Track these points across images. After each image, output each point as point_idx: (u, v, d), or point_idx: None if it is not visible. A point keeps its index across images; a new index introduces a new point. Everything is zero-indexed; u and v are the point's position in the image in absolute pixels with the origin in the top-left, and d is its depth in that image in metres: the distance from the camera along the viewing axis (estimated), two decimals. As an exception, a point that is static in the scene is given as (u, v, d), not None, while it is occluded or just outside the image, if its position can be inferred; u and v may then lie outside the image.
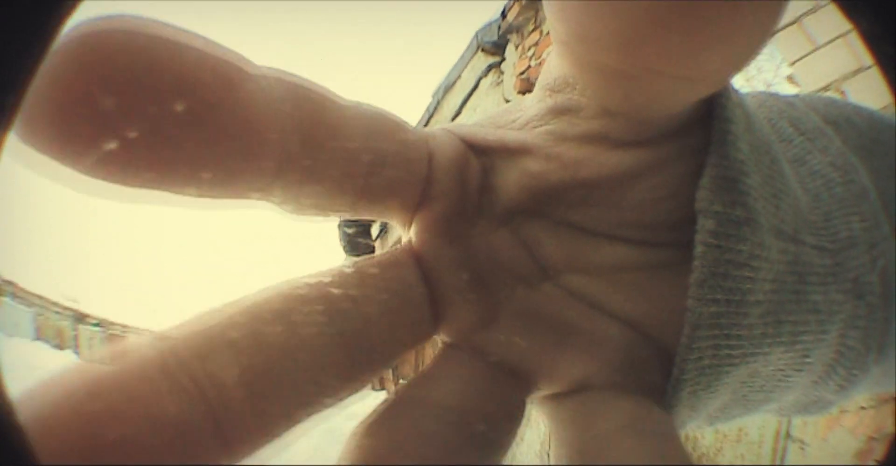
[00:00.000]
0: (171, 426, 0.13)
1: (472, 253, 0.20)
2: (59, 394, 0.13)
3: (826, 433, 2.15)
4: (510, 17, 4.70)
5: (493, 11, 5.09)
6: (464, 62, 5.57)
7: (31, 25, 0.20)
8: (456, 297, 0.19)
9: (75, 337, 19.35)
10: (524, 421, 0.18)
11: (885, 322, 0.22)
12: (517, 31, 4.78)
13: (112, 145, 0.12)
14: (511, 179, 0.20)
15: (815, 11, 2.08)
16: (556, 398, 0.20)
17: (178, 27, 0.13)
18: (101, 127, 0.12)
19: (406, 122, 0.19)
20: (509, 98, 4.76)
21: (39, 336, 16.92)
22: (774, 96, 0.25)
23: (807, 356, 0.21)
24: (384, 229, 8.16)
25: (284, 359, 0.15)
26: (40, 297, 18.01)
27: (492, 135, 0.21)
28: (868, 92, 1.92)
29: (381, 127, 0.18)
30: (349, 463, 0.16)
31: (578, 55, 0.16)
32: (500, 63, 4.99)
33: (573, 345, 0.20)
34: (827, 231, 0.21)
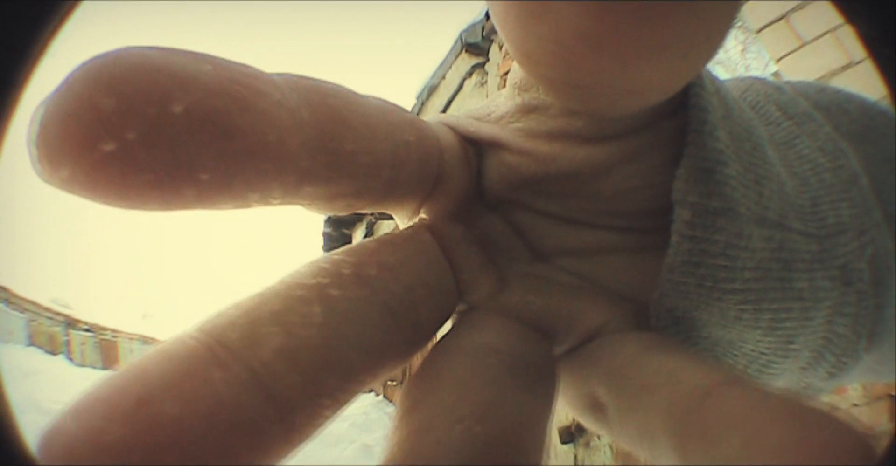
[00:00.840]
0: (232, 419, 0.13)
1: (475, 233, 0.21)
2: (106, 408, 0.12)
3: None
4: None
5: (476, 12, 5.10)
6: (448, 63, 5.56)
7: (31, 25, 0.20)
8: (471, 268, 0.20)
9: (67, 343, 19.26)
10: None
11: (876, 309, 0.22)
12: None
13: (135, 182, 0.12)
14: (492, 170, 0.21)
15: (802, 7, 2.08)
16: (572, 350, 0.20)
17: (186, 52, 0.13)
18: (123, 163, 0.12)
19: (414, 115, 0.19)
20: None
21: (33, 342, 16.83)
22: (761, 81, 0.26)
23: (791, 342, 0.21)
24: (369, 232, 8.20)
25: (333, 338, 0.15)
26: (33, 303, 17.93)
27: (472, 126, 0.21)
28: (856, 88, 1.93)
29: (399, 122, 0.18)
30: (418, 415, 0.16)
31: (525, 69, 0.16)
32: (483, 64, 4.99)
33: (583, 300, 0.20)
34: (814, 216, 0.21)
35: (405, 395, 0.17)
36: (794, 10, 2.11)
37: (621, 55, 0.13)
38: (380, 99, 0.18)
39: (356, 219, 7.86)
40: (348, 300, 0.16)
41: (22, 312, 17.09)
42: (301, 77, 0.16)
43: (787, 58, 2.16)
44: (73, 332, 20.02)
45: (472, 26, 5.04)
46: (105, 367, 19.57)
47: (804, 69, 2.10)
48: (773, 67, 2.34)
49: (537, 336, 0.20)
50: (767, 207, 0.20)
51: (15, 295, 16.90)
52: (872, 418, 1.87)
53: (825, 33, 2.02)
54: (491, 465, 0.14)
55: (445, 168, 0.20)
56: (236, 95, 0.13)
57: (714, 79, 0.20)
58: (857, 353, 0.22)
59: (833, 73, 2.03)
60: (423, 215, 0.21)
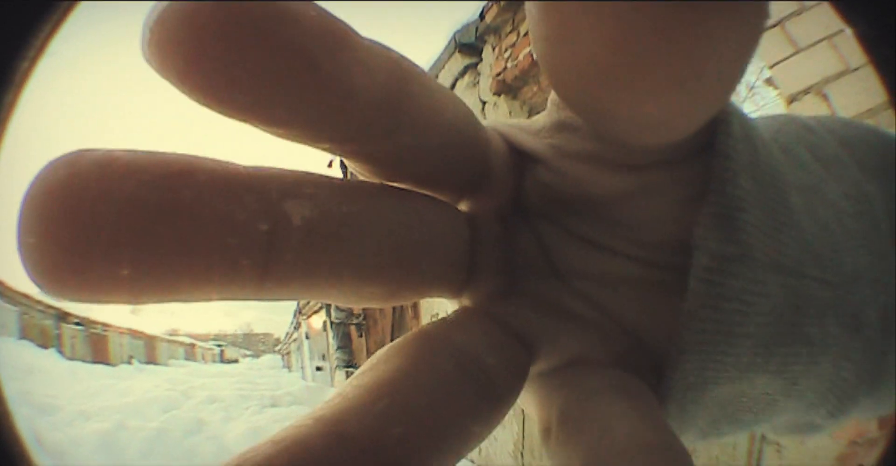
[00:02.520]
0: (215, 221, 0.13)
1: (505, 237, 0.22)
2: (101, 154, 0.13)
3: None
4: (488, 18, 4.67)
5: (469, 12, 5.07)
6: (441, 63, 5.54)
7: (31, 25, 0.20)
8: (486, 266, 0.21)
9: (58, 336, 19.16)
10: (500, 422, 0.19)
11: (881, 355, 0.22)
12: (495, 33, 4.76)
13: (227, 77, 0.13)
14: (529, 182, 0.22)
15: (799, 13, 2.08)
16: (550, 371, 0.21)
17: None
18: (229, 64, 0.13)
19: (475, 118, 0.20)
20: (485, 99, 4.76)
21: (25, 335, 16.69)
22: (794, 120, 0.25)
23: (795, 384, 0.21)
24: None
25: (346, 227, 0.16)
26: (25, 296, 17.78)
27: (519, 136, 0.22)
28: (852, 95, 1.92)
29: (460, 122, 0.19)
30: (361, 381, 0.16)
31: (551, 86, 0.16)
32: (476, 64, 4.98)
33: (576, 327, 0.21)
34: (832, 263, 0.21)
35: (370, 361, 0.17)
36: (789, 16, 2.11)
37: (635, 89, 0.14)
38: (452, 94, 0.18)
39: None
40: (375, 208, 0.17)
41: (15, 305, 16.94)
42: (391, 49, 0.16)
43: (782, 64, 2.17)
44: (64, 326, 19.89)
45: (466, 27, 5.02)
46: (95, 361, 19.46)
47: (799, 76, 2.10)
48: (767, 73, 2.33)
49: (518, 348, 0.20)
50: (784, 254, 0.20)
51: (8, 288, 16.79)
52: (862, 426, 1.86)
53: (821, 40, 2.02)
54: (404, 445, 0.15)
55: (492, 172, 0.21)
56: (331, 38, 0.14)
57: (745, 120, 0.21)
58: (856, 397, 0.23)
59: (828, 80, 2.03)
60: (463, 208, 0.21)
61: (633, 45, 0.13)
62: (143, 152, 0.13)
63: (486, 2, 4.64)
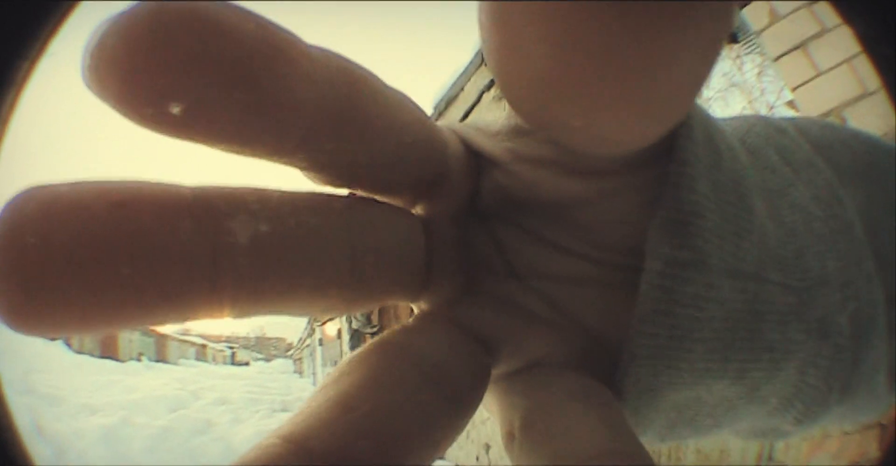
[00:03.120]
0: (158, 250, 0.14)
1: (461, 239, 0.21)
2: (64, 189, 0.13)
3: (809, 457, 2.15)
4: None
5: None
6: (466, 76, 5.54)
7: (30, 26, 0.20)
8: (446, 270, 0.21)
9: (66, 329, 19.39)
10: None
11: (853, 363, 0.22)
12: None
13: (167, 100, 0.13)
14: (486, 184, 0.21)
15: (821, 35, 2.08)
16: (511, 373, 0.21)
17: (238, 8, 0.14)
18: (163, 81, 0.13)
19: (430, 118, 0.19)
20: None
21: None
22: (766, 121, 0.25)
23: (757, 389, 0.21)
24: None
25: (296, 240, 0.16)
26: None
27: (476, 138, 0.21)
28: (870, 117, 1.92)
29: (412, 123, 0.18)
30: (326, 395, 0.16)
31: (503, 95, 0.16)
32: None
33: (536, 328, 0.21)
34: (797, 268, 0.21)
35: (333, 373, 0.17)
36: (812, 38, 2.10)
37: (586, 104, 0.14)
38: (403, 95, 0.18)
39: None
40: (327, 223, 0.17)
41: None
42: (338, 55, 0.16)
43: (803, 87, 2.16)
44: (73, 318, 20.14)
45: None
46: (103, 356, 19.55)
47: (819, 100, 2.09)
48: (789, 96, 2.33)
49: (478, 350, 0.20)
50: (743, 259, 0.20)
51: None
52: (864, 446, 1.86)
53: (841, 63, 2.02)
54: (372, 457, 0.15)
55: (448, 174, 0.20)
56: (270, 50, 0.14)
57: (710, 124, 0.20)
58: (827, 404, 0.22)
59: (846, 104, 2.03)
60: (418, 210, 0.21)
61: (581, 59, 0.12)
62: (88, 185, 0.14)
63: None
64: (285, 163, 0.16)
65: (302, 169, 0.17)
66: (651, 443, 0.22)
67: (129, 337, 25.67)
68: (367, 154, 0.17)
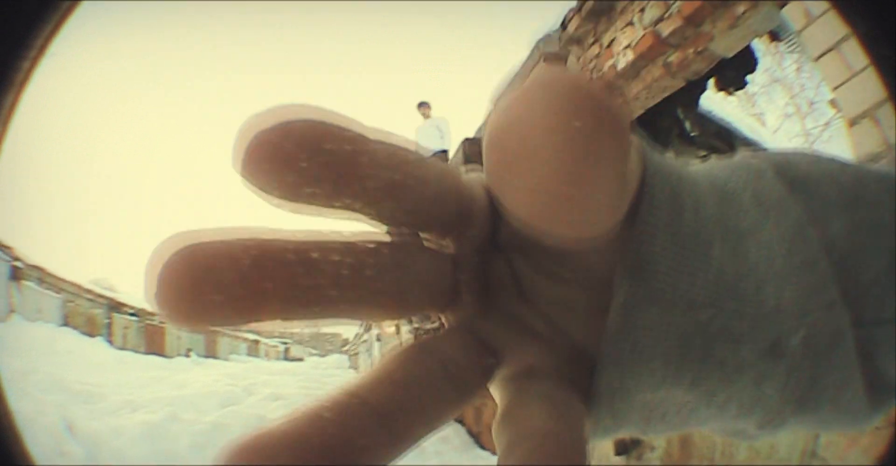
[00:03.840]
0: (285, 274, 0.20)
1: (482, 267, 0.27)
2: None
3: (846, 452, 2.26)
4: (570, 28, 4.69)
5: (550, 21, 5.07)
6: (524, 72, 5.59)
7: (31, 26, 0.21)
8: (468, 291, 0.26)
9: (108, 325, 19.61)
10: None
11: (810, 381, 0.26)
12: (578, 43, 4.78)
13: (304, 185, 0.20)
14: (503, 225, 0.26)
15: (851, 37, 2.04)
16: (510, 377, 0.26)
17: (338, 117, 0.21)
18: (292, 172, 0.19)
19: (457, 168, 0.25)
20: None
21: (67, 322, 16.98)
22: (746, 167, 0.29)
23: (713, 396, 0.26)
24: None
25: (369, 272, 0.22)
26: (72, 284, 18.17)
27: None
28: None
29: (448, 179, 0.24)
30: (376, 372, 0.23)
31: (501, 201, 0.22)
32: None
33: (534, 340, 0.27)
34: (754, 297, 0.25)
35: (382, 359, 0.24)
36: (843, 39, 2.08)
37: (551, 216, 0.20)
38: (437, 161, 0.24)
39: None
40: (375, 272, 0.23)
41: (57, 292, 17.32)
42: (391, 143, 0.22)
43: (843, 86, 2.14)
44: (115, 315, 20.34)
45: (548, 36, 5.02)
46: (148, 352, 19.73)
47: (857, 99, 2.07)
48: (830, 94, 2.31)
49: (486, 354, 0.26)
50: (698, 293, 0.25)
51: (49, 275, 17.15)
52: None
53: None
54: (401, 413, 0.21)
55: (472, 216, 0.25)
56: (358, 146, 0.21)
57: (679, 183, 0.25)
58: (783, 416, 0.27)
59: (878, 104, 2.00)
60: (448, 242, 0.26)
61: (544, 192, 0.19)
62: (230, 242, 0.20)
63: (566, 11, 4.66)
64: (354, 211, 0.22)
65: (361, 213, 0.22)
66: (633, 433, 0.28)
67: (177, 334, 25.94)
68: (411, 204, 0.23)
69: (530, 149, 0.19)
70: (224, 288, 0.19)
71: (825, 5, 2.15)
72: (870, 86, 2.01)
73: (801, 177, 0.29)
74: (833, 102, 2.36)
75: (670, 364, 0.24)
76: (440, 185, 0.24)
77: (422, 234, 0.25)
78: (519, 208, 0.20)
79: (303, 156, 0.19)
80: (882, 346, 0.27)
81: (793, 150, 0.32)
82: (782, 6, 2.63)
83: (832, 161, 0.31)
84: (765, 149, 0.32)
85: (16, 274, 15.27)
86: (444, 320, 0.27)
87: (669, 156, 0.26)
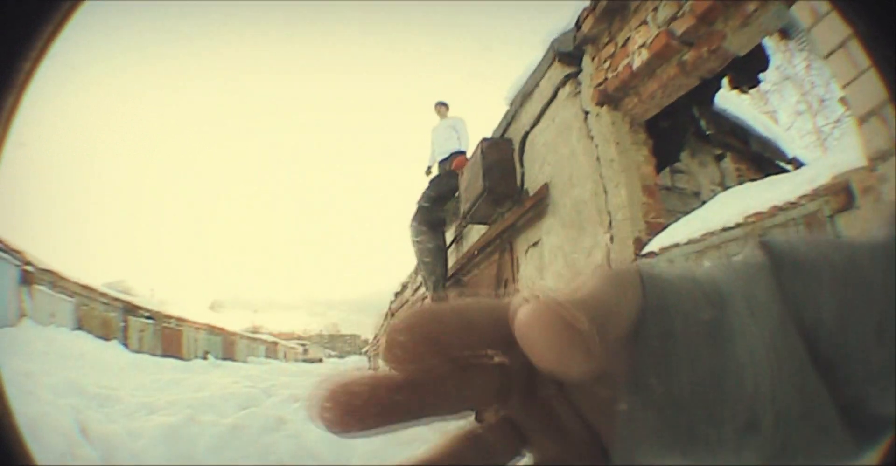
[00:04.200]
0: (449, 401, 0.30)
1: (526, 375, 0.33)
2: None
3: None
4: (585, 28, 4.68)
5: (565, 20, 5.05)
6: (540, 71, 5.61)
7: (31, 27, 0.21)
8: (511, 393, 0.33)
9: (124, 329, 19.62)
10: None
11: (781, 448, 0.32)
12: (592, 43, 4.76)
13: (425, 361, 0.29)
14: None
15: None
16: (538, 462, 0.33)
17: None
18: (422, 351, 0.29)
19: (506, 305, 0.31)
20: (587, 109, 4.81)
21: (81, 325, 16.94)
22: (745, 270, 0.36)
23: (702, 461, 0.32)
24: (458, 238, 8.83)
25: (451, 390, 0.30)
26: (86, 287, 18.13)
27: None
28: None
29: (491, 317, 0.31)
30: (433, 448, 0.31)
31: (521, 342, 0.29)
32: (577, 74, 5.02)
33: (560, 429, 0.33)
34: (735, 386, 0.31)
35: (442, 437, 0.32)
36: (850, 37, 2.07)
37: (565, 372, 0.27)
38: (486, 302, 0.31)
39: (444, 215, 8.75)
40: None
41: (70, 296, 17.34)
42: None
43: (852, 84, 2.13)
44: (131, 319, 20.31)
45: (563, 35, 5.04)
46: (164, 354, 19.62)
47: (866, 97, 2.06)
48: (840, 92, 2.30)
49: (515, 436, 0.33)
50: (681, 394, 0.31)
51: (62, 278, 17.12)
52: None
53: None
54: None
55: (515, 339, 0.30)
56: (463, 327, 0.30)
57: (673, 308, 0.32)
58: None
59: (883, 103, 2.00)
60: (499, 357, 0.32)
61: (555, 361, 0.27)
62: (360, 388, 0.29)
63: (581, 11, 4.65)
64: None
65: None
66: None
67: (193, 336, 25.74)
68: (469, 353, 0.30)
69: (537, 346, 0.27)
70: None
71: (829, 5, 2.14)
72: (877, 84, 1.99)
73: (799, 260, 0.36)
74: (843, 100, 2.34)
75: (664, 445, 0.31)
76: (493, 315, 0.31)
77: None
78: (541, 366, 0.28)
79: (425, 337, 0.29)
80: (872, 397, 0.33)
81: (796, 235, 0.39)
82: (790, 5, 2.62)
83: (828, 242, 0.37)
84: (772, 235, 0.40)
85: (27, 279, 15.27)
86: (493, 410, 0.34)
87: (674, 271, 0.34)
